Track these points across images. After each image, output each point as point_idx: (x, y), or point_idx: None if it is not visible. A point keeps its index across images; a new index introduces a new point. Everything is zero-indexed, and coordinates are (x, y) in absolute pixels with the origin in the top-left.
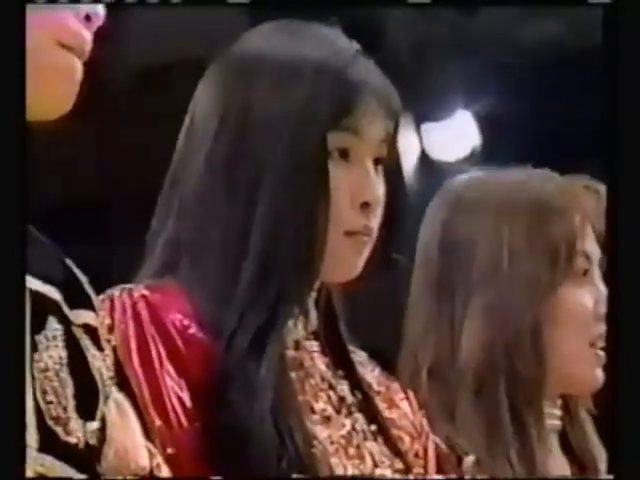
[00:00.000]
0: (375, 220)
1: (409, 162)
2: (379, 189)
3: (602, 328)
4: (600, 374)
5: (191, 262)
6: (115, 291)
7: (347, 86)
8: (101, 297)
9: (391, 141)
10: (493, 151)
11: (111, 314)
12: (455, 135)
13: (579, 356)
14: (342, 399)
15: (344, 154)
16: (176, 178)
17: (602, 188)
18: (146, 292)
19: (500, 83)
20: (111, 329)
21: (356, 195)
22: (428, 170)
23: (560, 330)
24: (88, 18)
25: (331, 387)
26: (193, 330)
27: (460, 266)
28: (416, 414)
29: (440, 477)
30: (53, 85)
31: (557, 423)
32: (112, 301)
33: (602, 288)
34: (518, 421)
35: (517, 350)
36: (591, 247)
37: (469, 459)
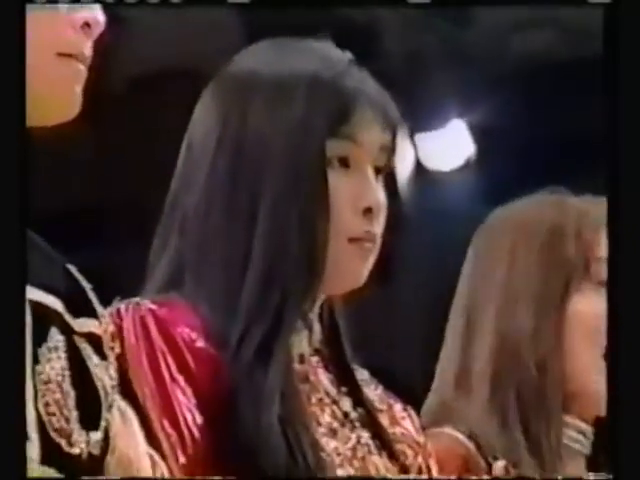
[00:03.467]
0: (378, 226)
1: (403, 171)
2: (380, 195)
3: None
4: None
5: (195, 279)
6: (122, 305)
7: (342, 95)
8: (108, 310)
9: (390, 151)
10: (488, 161)
11: (119, 328)
12: (450, 145)
13: (591, 368)
14: (346, 414)
15: (344, 162)
16: (177, 198)
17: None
18: (153, 306)
19: (495, 93)
20: (114, 337)
21: (358, 201)
22: (423, 179)
23: (575, 341)
24: (87, 25)
25: (334, 402)
26: (201, 344)
27: (477, 286)
28: (418, 432)
29: (442, 477)
30: (58, 92)
31: (583, 445)
32: (120, 315)
33: None
34: (528, 430)
35: (528, 360)
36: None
37: (499, 464)
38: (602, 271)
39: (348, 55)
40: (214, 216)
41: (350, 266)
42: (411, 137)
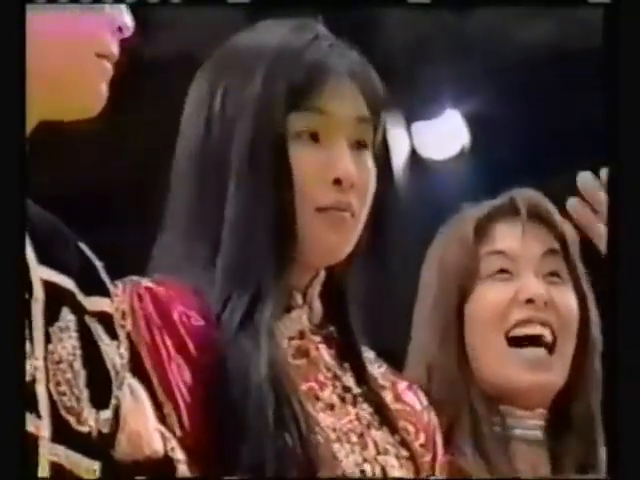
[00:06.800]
0: (353, 196)
1: (399, 160)
2: (352, 166)
3: (525, 313)
4: (528, 376)
5: (184, 260)
6: (120, 283)
7: (306, 66)
8: (122, 279)
9: (373, 124)
10: (482, 150)
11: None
12: (445, 134)
13: (501, 362)
14: (348, 389)
15: (314, 136)
16: (169, 187)
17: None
18: (151, 284)
19: (490, 83)
20: (125, 315)
21: (326, 172)
22: (418, 168)
23: (475, 329)
24: (120, 29)
25: (336, 377)
26: (197, 322)
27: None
28: (425, 409)
29: (443, 477)
30: (90, 90)
31: (533, 433)
32: (117, 293)
33: (528, 278)
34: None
35: (443, 353)
36: (508, 246)
37: None
38: (495, 263)
39: (322, 29)
40: (193, 198)
41: (322, 236)
42: (407, 126)
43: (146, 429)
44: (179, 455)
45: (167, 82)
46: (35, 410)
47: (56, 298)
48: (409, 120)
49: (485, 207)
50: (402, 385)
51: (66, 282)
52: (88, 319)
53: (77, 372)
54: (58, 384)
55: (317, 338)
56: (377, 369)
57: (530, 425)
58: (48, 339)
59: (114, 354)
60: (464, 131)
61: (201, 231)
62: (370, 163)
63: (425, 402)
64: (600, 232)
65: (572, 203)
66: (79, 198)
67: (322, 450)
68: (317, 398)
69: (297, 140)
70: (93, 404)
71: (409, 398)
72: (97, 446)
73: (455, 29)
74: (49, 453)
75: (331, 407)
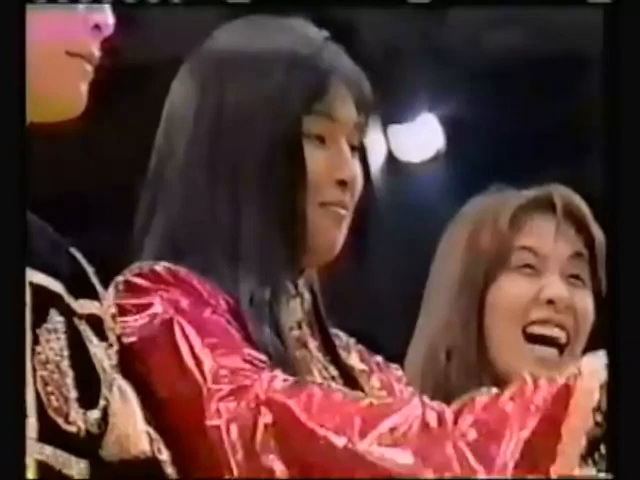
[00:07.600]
0: (351, 198)
1: (376, 162)
2: (355, 169)
3: (544, 313)
4: (537, 373)
5: (189, 250)
6: (139, 264)
7: (318, 71)
8: (129, 268)
9: (363, 129)
10: (457, 153)
11: (137, 286)
12: (421, 137)
13: (509, 343)
14: (333, 379)
15: (321, 139)
16: (157, 176)
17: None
18: (169, 265)
19: (466, 87)
20: (115, 317)
21: (333, 173)
22: (394, 170)
23: (494, 317)
24: (98, 27)
25: (325, 368)
26: (221, 295)
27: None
28: (405, 387)
29: (443, 477)
30: (64, 90)
31: None
32: (140, 274)
33: (553, 278)
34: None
35: (464, 336)
36: (540, 244)
37: None
38: (523, 258)
39: (324, 33)
40: (197, 186)
41: (323, 230)
42: (384, 129)
43: (134, 430)
44: (164, 455)
45: (158, 82)
46: None
47: (44, 300)
48: (386, 123)
49: (522, 198)
50: (381, 361)
51: (54, 285)
52: (77, 321)
53: (65, 373)
54: (46, 384)
55: (307, 330)
56: (352, 354)
57: None
58: (35, 340)
59: (103, 355)
60: (440, 134)
61: (211, 220)
62: (358, 166)
63: (404, 379)
64: None
65: None
66: (71, 201)
67: None
68: None
69: (307, 140)
70: (81, 404)
71: (391, 377)
72: (85, 446)
73: (433, 33)
74: (36, 452)
75: None
